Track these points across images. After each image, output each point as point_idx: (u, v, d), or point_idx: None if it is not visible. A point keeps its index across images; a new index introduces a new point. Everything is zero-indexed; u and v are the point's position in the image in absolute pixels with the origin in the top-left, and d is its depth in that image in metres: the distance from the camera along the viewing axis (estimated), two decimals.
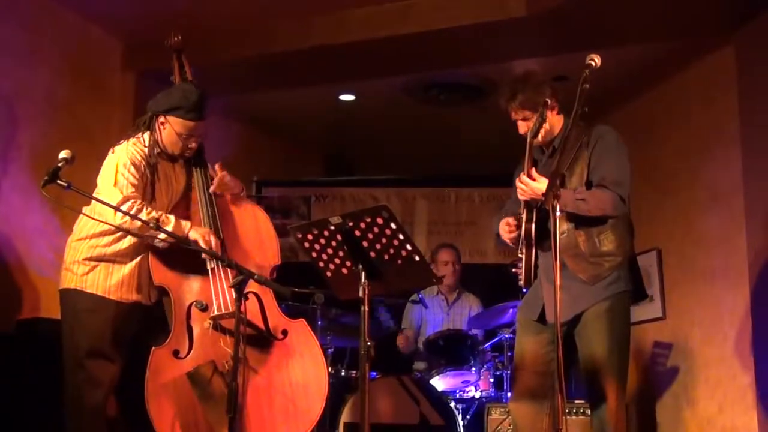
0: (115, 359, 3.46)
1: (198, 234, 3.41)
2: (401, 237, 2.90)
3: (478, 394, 5.04)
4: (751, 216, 4.87)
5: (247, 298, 3.18)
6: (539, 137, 3.46)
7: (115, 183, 3.40)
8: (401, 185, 7.03)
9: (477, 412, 4.93)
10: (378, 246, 2.92)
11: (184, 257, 3.44)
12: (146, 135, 3.55)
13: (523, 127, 3.54)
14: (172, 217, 3.41)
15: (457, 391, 5.11)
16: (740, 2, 4.71)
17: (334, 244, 2.98)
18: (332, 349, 4.95)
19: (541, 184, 3.32)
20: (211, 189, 3.62)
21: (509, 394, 4.49)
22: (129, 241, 3.48)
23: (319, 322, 4.81)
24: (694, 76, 5.56)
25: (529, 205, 3.43)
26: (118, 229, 3.38)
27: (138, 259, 3.51)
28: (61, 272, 3.56)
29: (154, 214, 3.36)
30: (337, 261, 3.02)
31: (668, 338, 5.68)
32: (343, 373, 4.91)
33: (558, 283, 2.83)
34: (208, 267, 3.45)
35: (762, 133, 4.78)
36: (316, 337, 3.57)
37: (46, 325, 4.26)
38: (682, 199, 5.62)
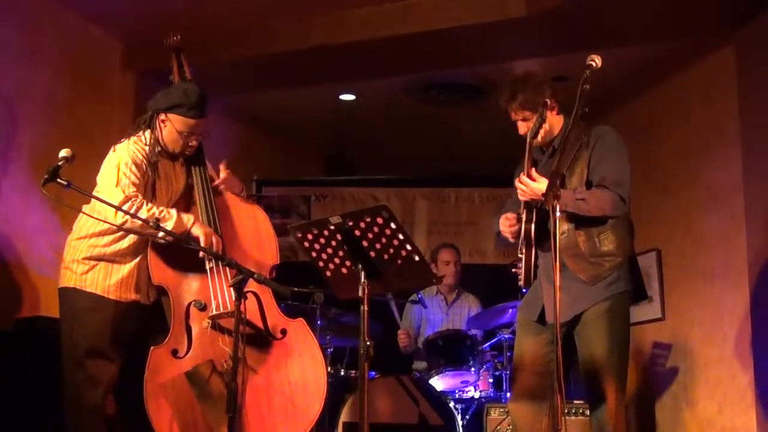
0: (114, 358, 3.46)
1: (200, 231, 3.41)
2: (401, 237, 2.90)
3: (477, 395, 5.03)
4: (751, 216, 4.87)
5: (246, 298, 3.17)
6: (539, 137, 3.46)
7: (117, 183, 3.39)
8: (401, 185, 7.03)
9: (476, 412, 4.93)
10: (378, 246, 2.92)
11: (183, 256, 3.43)
12: (147, 133, 3.55)
13: (522, 128, 3.54)
14: (174, 212, 3.40)
15: (457, 391, 5.11)
16: (740, 2, 4.71)
17: (333, 243, 2.98)
18: (331, 349, 4.95)
19: (541, 185, 3.31)
20: (217, 182, 3.63)
21: (508, 395, 4.48)
22: (129, 240, 3.48)
23: (319, 322, 4.81)
24: (694, 76, 5.56)
25: (529, 205, 3.43)
26: (119, 228, 3.38)
27: (137, 259, 3.51)
28: (60, 271, 3.56)
29: (155, 210, 3.35)
30: (336, 260, 3.02)
31: (668, 338, 5.68)
32: (342, 373, 4.90)
33: (558, 283, 2.83)
34: (207, 266, 3.45)
35: (762, 133, 4.79)
36: (315, 336, 3.56)
37: (45, 324, 4.26)
38: (682, 199, 5.62)
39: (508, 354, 4.96)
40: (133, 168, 3.44)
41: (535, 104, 3.45)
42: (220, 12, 5.19)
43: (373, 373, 4.80)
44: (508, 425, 4.52)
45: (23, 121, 4.83)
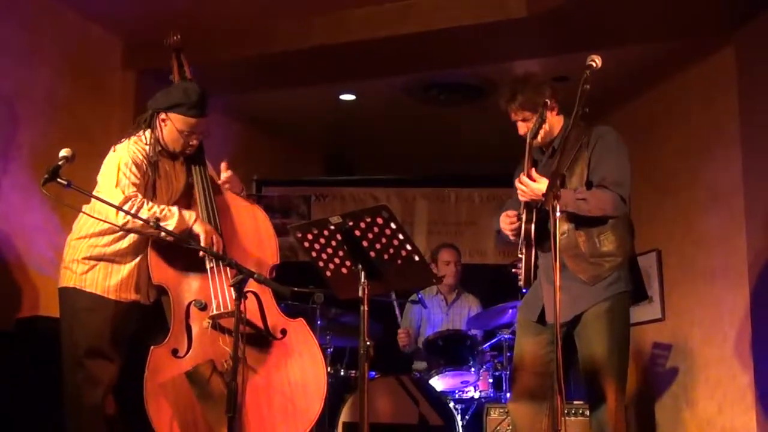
0: (114, 358, 3.46)
1: (201, 229, 3.40)
2: (401, 237, 2.90)
3: (477, 395, 5.03)
4: (751, 216, 4.87)
5: (246, 298, 3.17)
6: (539, 138, 3.46)
7: (117, 183, 3.39)
8: (401, 185, 7.03)
9: (476, 412, 4.93)
10: (378, 246, 2.92)
11: (183, 256, 3.43)
12: (147, 133, 3.55)
13: (522, 128, 3.54)
14: (175, 210, 3.39)
15: (456, 391, 5.11)
16: (740, 2, 4.71)
17: (333, 243, 2.98)
18: (331, 349, 4.95)
19: (541, 185, 3.31)
20: (222, 181, 3.63)
21: (508, 395, 4.48)
22: (129, 240, 3.47)
23: (319, 322, 4.81)
24: (694, 76, 5.57)
25: (529, 205, 3.43)
26: (121, 228, 3.38)
27: (137, 259, 3.50)
28: (60, 271, 3.56)
29: (156, 209, 3.35)
30: (336, 260, 3.02)
31: (668, 339, 5.68)
32: (342, 373, 4.91)
33: (558, 283, 2.83)
34: (207, 266, 3.45)
35: (762, 133, 4.79)
36: (315, 336, 3.56)
37: (45, 324, 4.26)
38: (682, 199, 5.62)
39: (508, 354, 4.96)
40: (133, 168, 3.43)
41: (535, 104, 3.45)
42: (220, 12, 5.19)
43: (373, 373, 4.80)
44: (508, 425, 4.52)
45: (23, 121, 4.83)
